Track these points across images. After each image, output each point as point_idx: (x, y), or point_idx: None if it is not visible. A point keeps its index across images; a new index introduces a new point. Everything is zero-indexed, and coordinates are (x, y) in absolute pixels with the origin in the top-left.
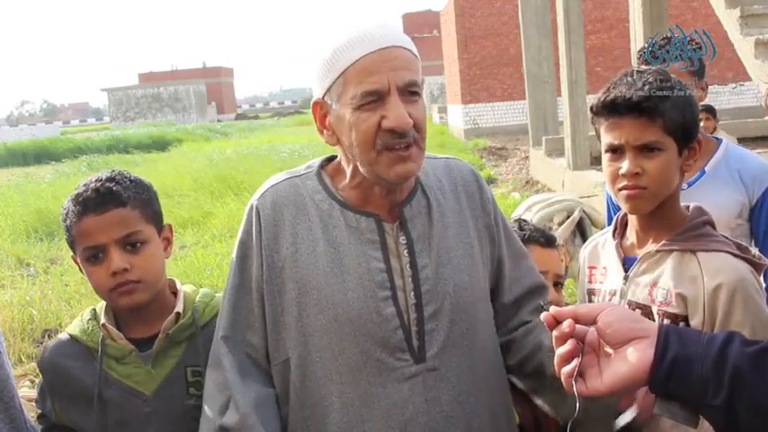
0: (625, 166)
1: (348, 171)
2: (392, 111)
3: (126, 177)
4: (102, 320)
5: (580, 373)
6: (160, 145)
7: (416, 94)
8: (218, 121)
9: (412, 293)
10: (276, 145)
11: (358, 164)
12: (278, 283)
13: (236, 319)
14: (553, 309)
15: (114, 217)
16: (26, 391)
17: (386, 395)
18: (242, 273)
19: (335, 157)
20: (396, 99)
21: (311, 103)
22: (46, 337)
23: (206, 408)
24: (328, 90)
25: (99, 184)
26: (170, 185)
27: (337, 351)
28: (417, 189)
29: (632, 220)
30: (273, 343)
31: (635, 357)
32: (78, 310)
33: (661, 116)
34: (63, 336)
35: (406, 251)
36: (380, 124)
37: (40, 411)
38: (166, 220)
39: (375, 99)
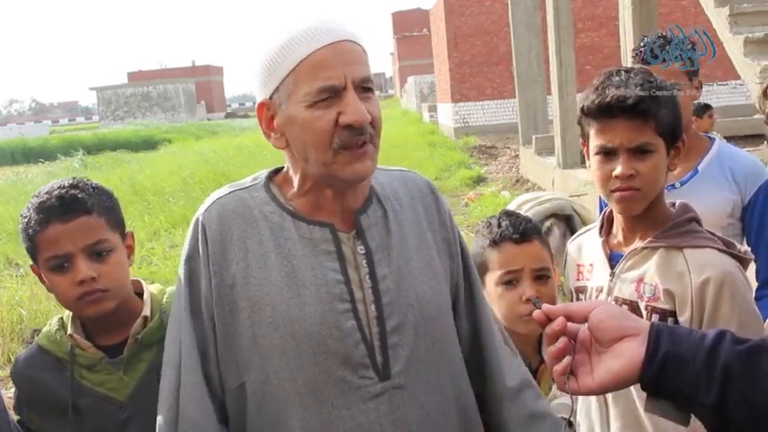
0: (619, 168)
1: (296, 178)
2: (350, 106)
3: (88, 185)
4: (70, 330)
5: (572, 372)
6: (150, 143)
7: (371, 89)
8: (208, 119)
9: (372, 306)
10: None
11: (311, 165)
12: (229, 302)
13: (202, 351)
14: (545, 306)
15: (80, 225)
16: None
17: (350, 417)
18: (191, 293)
19: (282, 168)
20: (353, 94)
21: (256, 105)
22: (35, 336)
23: None
24: (276, 90)
25: (63, 192)
26: (161, 184)
27: (296, 371)
28: (372, 199)
29: (618, 218)
30: (226, 368)
31: (626, 355)
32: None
33: (654, 118)
34: (33, 347)
35: (364, 261)
36: (337, 121)
37: (18, 418)
38: (156, 217)
39: (330, 95)
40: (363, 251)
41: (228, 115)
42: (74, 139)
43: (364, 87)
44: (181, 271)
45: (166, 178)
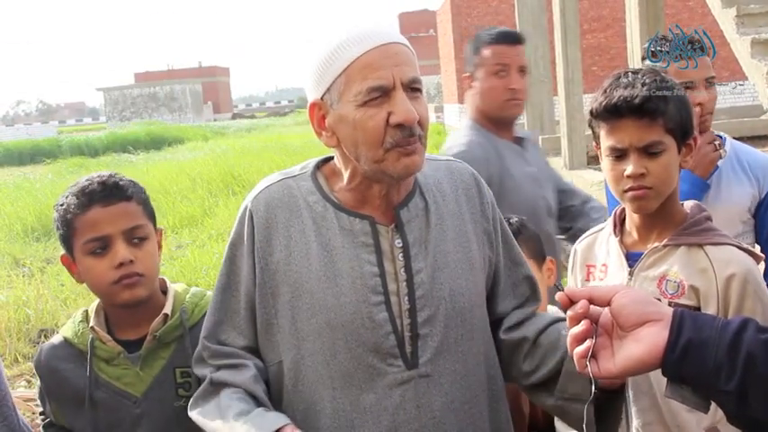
0: (630, 168)
1: (346, 173)
2: (399, 105)
3: (125, 177)
4: (92, 323)
5: (593, 355)
6: (158, 144)
7: (419, 90)
8: (215, 120)
9: (406, 298)
10: (274, 143)
11: (361, 163)
12: (272, 286)
13: (219, 319)
14: (568, 289)
15: (121, 209)
16: (22, 392)
17: (377, 401)
18: (230, 274)
19: (331, 158)
20: (402, 94)
21: (308, 104)
22: (42, 336)
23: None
24: (328, 90)
25: (104, 178)
26: (169, 184)
27: (329, 356)
28: (415, 191)
29: (632, 218)
30: (267, 345)
31: (648, 340)
32: (74, 309)
33: (662, 116)
34: (57, 338)
35: (401, 255)
36: (388, 120)
37: (42, 409)
38: (163, 217)
39: (380, 95)
40: (401, 245)
41: (235, 116)
42: (86, 139)
43: (413, 88)
44: (225, 253)
45: (174, 178)
